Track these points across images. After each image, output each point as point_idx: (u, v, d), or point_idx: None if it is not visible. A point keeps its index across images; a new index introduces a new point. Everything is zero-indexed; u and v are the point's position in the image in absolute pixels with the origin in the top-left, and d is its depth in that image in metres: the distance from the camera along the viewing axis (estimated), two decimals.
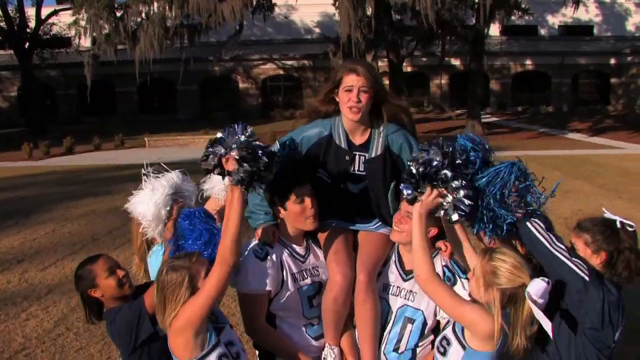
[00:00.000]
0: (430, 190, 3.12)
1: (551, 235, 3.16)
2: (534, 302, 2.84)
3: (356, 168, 3.78)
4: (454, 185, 3.09)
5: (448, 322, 3.39)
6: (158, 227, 3.71)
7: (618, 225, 3.31)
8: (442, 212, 3.17)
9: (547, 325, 2.89)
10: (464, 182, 3.10)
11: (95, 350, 6.10)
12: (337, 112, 3.78)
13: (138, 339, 3.35)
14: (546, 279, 2.86)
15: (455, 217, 3.12)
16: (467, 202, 3.08)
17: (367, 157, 3.76)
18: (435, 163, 3.09)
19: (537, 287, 2.84)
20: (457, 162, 3.12)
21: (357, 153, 3.77)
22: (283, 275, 3.64)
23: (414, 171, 3.15)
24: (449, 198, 3.11)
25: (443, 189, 3.11)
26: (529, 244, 3.19)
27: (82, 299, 3.58)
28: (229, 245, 3.05)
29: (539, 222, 3.17)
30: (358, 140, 3.77)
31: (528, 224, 3.16)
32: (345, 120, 3.73)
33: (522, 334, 2.93)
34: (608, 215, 3.39)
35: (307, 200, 3.61)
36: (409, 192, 3.21)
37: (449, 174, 3.08)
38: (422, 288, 3.21)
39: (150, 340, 3.36)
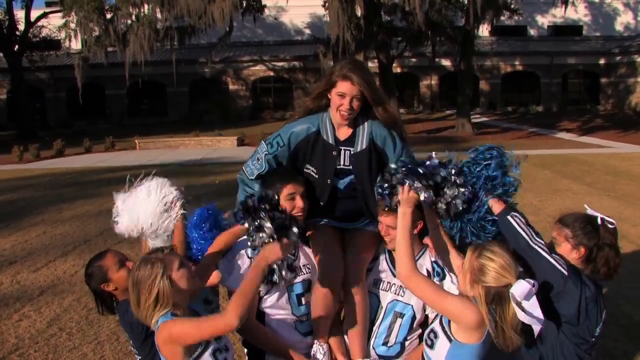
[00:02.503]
0: (402, 187, 3.28)
1: (531, 230, 3.23)
2: (517, 303, 2.88)
3: (342, 162, 3.84)
4: (420, 172, 3.31)
5: (436, 316, 3.44)
6: (163, 225, 3.70)
7: (599, 221, 3.37)
8: (423, 198, 3.30)
9: (534, 323, 2.92)
10: (426, 170, 3.32)
11: (89, 350, 6.12)
12: (327, 107, 3.83)
13: (149, 328, 3.41)
14: (532, 281, 2.90)
15: (425, 195, 3.29)
16: (429, 182, 3.29)
17: (352, 152, 3.81)
18: (399, 169, 3.40)
19: (521, 289, 2.88)
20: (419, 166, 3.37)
21: (343, 148, 3.83)
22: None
23: (386, 181, 3.44)
24: (423, 190, 3.28)
25: (412, 182, 3.28)
26: (510, 238, 3.25)
27: (96, 294, 3.68)
28: (243, 312, 2.94)
29: (519, 216, 3.25)
30: (343, 135, 3.83)
31: (509, 217, 3.23)
32: (334, 118, 3.79)
33: (512, 332, 2.95)
34: (590, 211, 3.46)
35: (298, 199, 3.67)
36: (387, 200, 3.44)
37: (409, 166, 3.35)
38: (404, 284, 3.30)
39: None
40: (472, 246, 3.17)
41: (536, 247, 3.18)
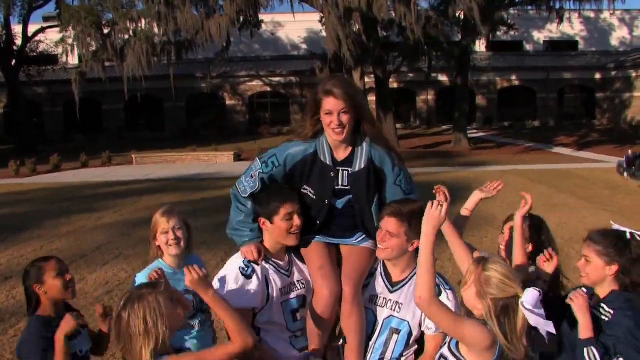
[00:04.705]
0: (431, 204, 3.07)
1: None
2: (530, 311, 2.91)
3: (340, 183, 3.81)
4: None
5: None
6: None
7: (628, 236, 3.42)
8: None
9: (548, 327, 2.96)
10: None
11: None
12: (323, 131, 3.82)
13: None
14: (538, 289, 2.95)
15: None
16: None
17: (351, 171, 3.79)
18: None
19: (531, 297, 2.92)
20: None
21: (341, 168, 3.80)
22: (269, 291, 3.69)
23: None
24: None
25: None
26: None
27: (27, 293, 3.70)
28: (237, 330, 2.97)
29: (595, 353, 3.25)
30: (341, 155, 3.81)
31: (585, 350, 3.26)
32: (330, 137, 3.78)
33: (520, 344, 3.00)
34: (616, 227, 3.49)
35: (296, 219, 3.69)
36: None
37: None
38: (421, 309, 3.15)
39: None
40: (474, 260, 3.18)
41: None
